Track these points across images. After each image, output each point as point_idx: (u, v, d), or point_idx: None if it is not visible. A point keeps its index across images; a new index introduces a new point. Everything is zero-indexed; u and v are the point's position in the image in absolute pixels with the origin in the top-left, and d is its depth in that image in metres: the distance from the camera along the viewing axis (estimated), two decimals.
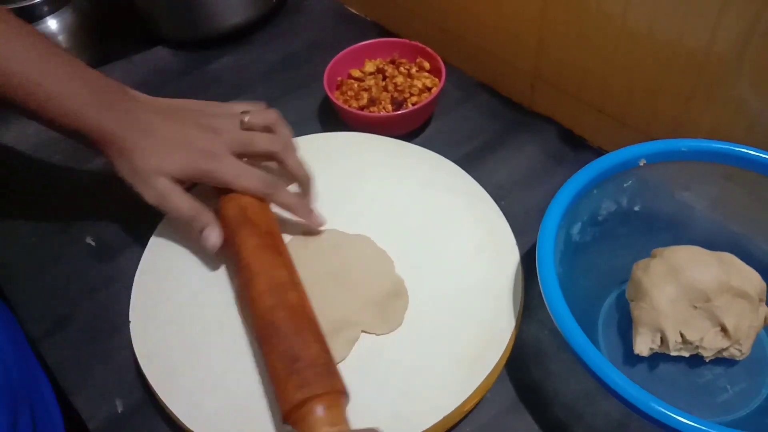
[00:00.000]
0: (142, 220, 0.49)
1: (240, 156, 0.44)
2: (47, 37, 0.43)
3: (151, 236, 0.46)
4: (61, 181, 0.55)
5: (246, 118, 0.45)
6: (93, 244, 0.50)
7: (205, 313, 0.42)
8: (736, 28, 0.39)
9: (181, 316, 0.42)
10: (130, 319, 0.42)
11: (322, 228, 0.46)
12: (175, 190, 0.42)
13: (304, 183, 0.47)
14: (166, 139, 0.43)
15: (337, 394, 0.34)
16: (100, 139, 0.42)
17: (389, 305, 0.42)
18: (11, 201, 0.54)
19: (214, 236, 0.42)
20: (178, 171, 0.42)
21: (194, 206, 0.43)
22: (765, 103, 0.41)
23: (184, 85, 0.57)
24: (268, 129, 0.46)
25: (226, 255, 0.44)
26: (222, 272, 0.44)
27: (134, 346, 0.40)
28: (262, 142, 0.45)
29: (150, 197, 0.42)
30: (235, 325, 0.41)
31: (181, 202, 0.42)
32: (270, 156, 0.45)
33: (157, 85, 0.62)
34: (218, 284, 0.43)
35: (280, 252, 0.41)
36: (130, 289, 0.43)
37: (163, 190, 0.42)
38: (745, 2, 0.38)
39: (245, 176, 0.43)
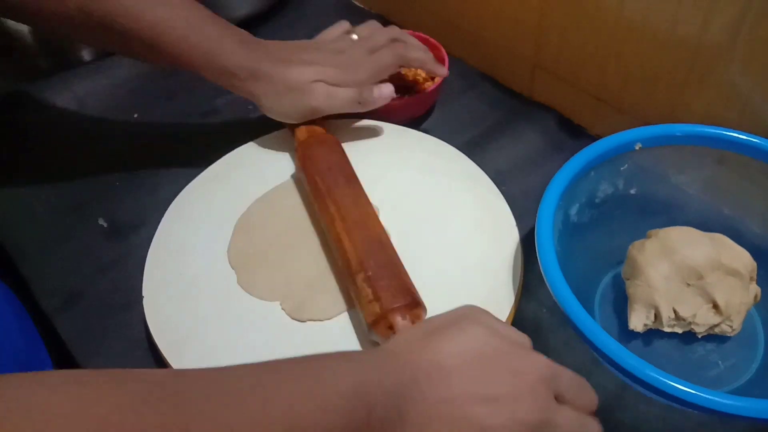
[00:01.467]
0: (152, 202, 0.50)
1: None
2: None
3: (162, 216, 0.48)
4: (74, 161, 0.57)
5: (354, 36, 0.52)
6: (105, 225, 0.51)
7: (217, 287, 0.43)
8: (728, 16, 0.41)
9: (193, 290, 0.43)
10: (143, 293, 0.43)
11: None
12: (332, 87, 0.47)
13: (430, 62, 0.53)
14: (309, 59, 0.48)
15: (424, 310, 0.39)
16: (247, 75, 0.46)
17: None
18: (25, 181, 0.55)
19: (385, 89, 0.49)
20: (331, 75, 0.47)
21: (354, 89, 0.48)
22: (756, 89, 0.42)
23: (190, 77, 0.58)
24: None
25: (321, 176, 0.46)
26: None
27: (147, 318, 0.42)
28: (380, 39, 0.51)
29: (314, 100, 0.47)
30: (245, 299, 0.43)
31: (346, 92, 0.48)
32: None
33: (162, 77, 0.63)
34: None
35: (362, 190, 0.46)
36: (141, 267, 0.45)
37: (325, 90, 0.47)
38: None
39: (381, 60, 0.50)
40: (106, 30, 0.44)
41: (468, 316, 0.33)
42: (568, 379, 0.32)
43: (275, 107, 0.48)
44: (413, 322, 0.38)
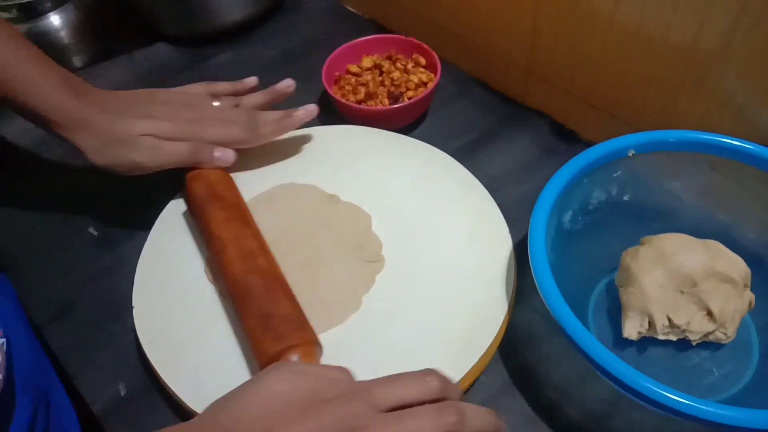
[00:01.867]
0: (143, 212, 0.50)
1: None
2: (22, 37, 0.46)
3: (152, 227, 0.47)
4: (64, 172, 0.56)
5: (216, 103, 0.49)
6: (95, 234, 0.51)
7: (207, 298, 0.43)
8: (722, 23, 0.40)
9: (183, 300, 0.43)
10: (134, 303, 0.43)
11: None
12: (165, 140, 0.45)
13: (272, 92, 0.52)
14: (144, 111, 0.45)
15: (310, 344, 0.37)
16: (69, 123, 0.44)
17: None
18: (16, 192, 0.55)
19: (228, 152, 0.47)
20: (163, 130, 0.45)
21: (189, 143, 0.45)
22: (750, 96, 0.42)
23: (185, 81, 0.58)
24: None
25: (198, 228, 0.45)
26: None
27: (137, 329, 0.41)
28: (236, 118, 0.48)
29: (140, 155, 0.44)
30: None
31: (176, 146, 0.45)
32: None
33: (157, 81, 0.63)
34: None
35: (248, 223, 0.44)
36: (132, 277, 0.44)
37: (153, 143, 0.44)
38: None
39: (227, 132, 0.47)
40: None
41: (273, 367, 0.31)
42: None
43: (98, 159, 0.44)
44: (317, 361, 0.37)
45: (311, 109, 0.50)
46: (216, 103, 0.49)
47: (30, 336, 0.44)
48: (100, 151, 0.44)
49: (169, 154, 0.45)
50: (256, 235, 0.43)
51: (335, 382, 0.30)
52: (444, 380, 0.30)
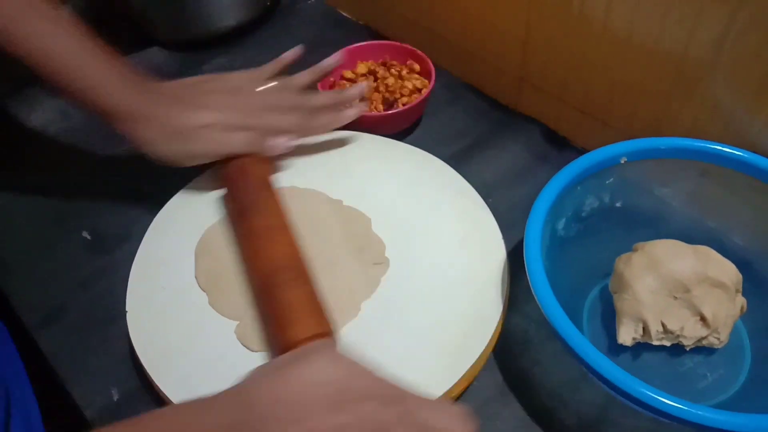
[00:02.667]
0: (136, 216, 0.50)
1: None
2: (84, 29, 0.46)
3: (147, 229, 0.47)
4: (57, 173, 0.56)
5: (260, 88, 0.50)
6: (88, 237, 0.50)
7: (200, 302, 0.43)
8: (712, 32, 0.41)
9: (176, 304, 0.43)
10: (127, 308, 0.42)
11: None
12: (223, 132, 0.45)
13: (318, 70, 0.53)
14: (202, 103, 0.46)
15: (326, 335, 0.37)
16: (131, 117, 0.44)
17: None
18: (7, 193, 0.54)
19: (284, 140, 0.47)
20: (223, 120, 0.45)
21: (248, 135, 0.46)
22: (740, 103, 0.43)
23: None
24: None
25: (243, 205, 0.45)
26: None
27: (130, 333, 0.41)
28: (288, 101, 0.49)
29: (201, 148, 0.45)
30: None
31: (237, 136, 0.45)
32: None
33: None
34: None
35: (285, 212, 0.45)
36: (125, 281, 0.44)
37: (213, 136, 0.45)
38: (719, 8, 0.40)
39: (282, 122, 0.48)
40: None
41: (315, 348, 0.32)
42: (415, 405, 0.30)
43: (159, 153, 0.45)
44: None
45: (362, 107, 0.51)
46: (261, 88, 0.49)
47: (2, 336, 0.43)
48: (160, 144, 0.44)
49: (231, 144, 0.45)
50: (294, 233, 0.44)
51: (368, 376, 0.30)
52: (473, 425, 0.30)
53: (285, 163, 0.52)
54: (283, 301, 0.39)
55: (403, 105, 0.56)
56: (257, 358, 0.40)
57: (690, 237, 0.42)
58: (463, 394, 0.40)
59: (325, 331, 0.38)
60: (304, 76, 0.52)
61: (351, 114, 0.50)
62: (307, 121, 0.49)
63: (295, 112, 0.49)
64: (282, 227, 0.43)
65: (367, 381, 0.30)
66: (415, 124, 0.58)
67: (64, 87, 0.43)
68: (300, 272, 0.40)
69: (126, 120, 0.44)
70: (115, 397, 0.41)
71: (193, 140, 0.45)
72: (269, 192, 0.46)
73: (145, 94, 0.45)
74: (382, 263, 0.45)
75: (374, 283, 0.44)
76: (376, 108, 0.56)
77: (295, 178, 0.51)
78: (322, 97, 0.51)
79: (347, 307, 0.42)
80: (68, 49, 0.43)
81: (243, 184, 0.46)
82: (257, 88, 0.49)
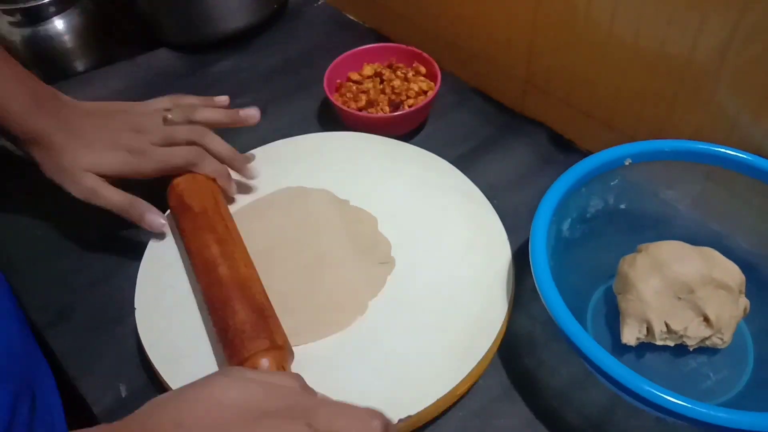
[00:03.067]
0: None
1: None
2: None
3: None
4: None
5: (169, 116, 0.48)
6: (97, 237, 0.51)
7: None
8: (716, 37, 0.42)
9: (185, 302, 0.43)
10: (136, 305, 0.43)
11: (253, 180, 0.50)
12: (103, 184, 0.45)
13: (230, 159, 0.49)
14: (94, 139, 0.45)
15: (269, 351, 0.37)
16: (29, 139, 0.45)
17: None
18: (16, 195, 0.55)
19: (156, 219, 0.46)
20: (107, 168, 0.45)
21: (125, 196, 0.45)
22: (743, 108, 0.43)
23: (186, 87, 0.58)
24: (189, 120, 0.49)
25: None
26: None
27: (139, 330, 0.41)
28: (182, 133, 0.47)
29: (78, 192, 0.45)
30: None
31: (111, 194, 0.45)
32: (192, 143, 0.48)
33: (159, 86, 0.63)
34: None
35: (213, 228, 0.44)
36: (133, 280, 0.45)
37: (92, 186, 0.44)
38: (724, 13, 0.40)
39: (169, 158, 0.46)
40: None
41: (221, 371, 0.31)
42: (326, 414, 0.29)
43: (49, 176, 0.45)
44: (279, 367, 0.36)
45: (253, 174, 0.50)
46: (169, 116, 0.48)
47: (13, 323, 0.43)
48: (50, 171, 0.45)
49: (105, 201, 0.45)
50: (221, 239, 0.43)
51: (283, 391, 0.29)
52: (387, 427, 0.29)
53: (293, 163, 0.53)
54: (223, 327, 0.39)
55: (409, 107, 0.56)
56: None
57: (694, 239, 0.42)
58: (468, 393, 0.41)
59: (243, 358, 0.36)
60: (214, 113, 0.50)
61: (231, 188, 0.49)
62: (198, 158, 0.47)
63: (182, 156, 0.47)
64: (195, 252, 0.43)
65: (274, 398, 0.29)
66: (421, 127, 0.59)
67: None
68: (211, 302, 0.40)
69: (27, 142, 0.45)
70: (123, 394, 0.41)
71: (74, 184, 0.45)
72: (185, 214, 0.45)
73: (48, 117, 0.45)
74: (388, 263, 0.45)
75: (380, 282, 0.44)
76: (382, 110, 0.56)
77: (303, 179, 0.51)
78: (219, 144, 0.49)
79: (354, 305, 0.43)
80: None
81: (171, 210, 0.47)
82: (159, 122, 0.48)
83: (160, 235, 0.47)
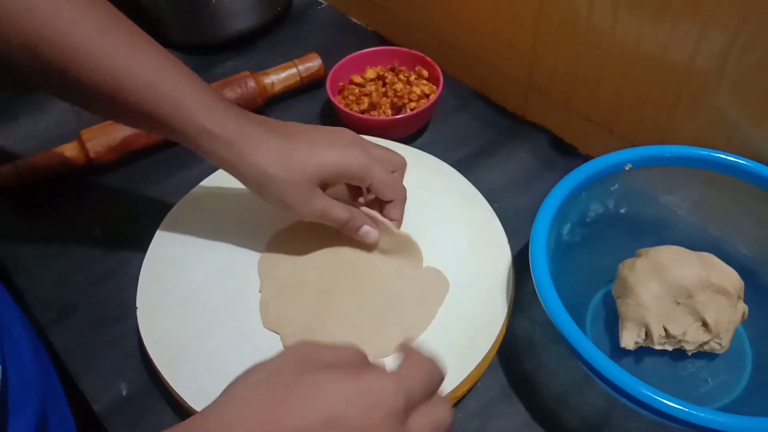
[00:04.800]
0: (148, 214, 0.50)
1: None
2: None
3: (157, 229, 0.48)
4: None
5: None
6: (100, 235, 0.51)
7: (211, 301, 0.43)
8: (717, 45, 0.42)
9: (187, 303, 0.43)
10: (137, 304, 0.43)
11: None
12: (331, 201, 0.42)
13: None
14: (328, 141, 0.41)
15: None
16: (217, 138, 0.38)
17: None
18: (21, 192, 0.55)
19: (373, 232, 0.44)
20: (355, 165, 0.41)
21: (348, 210, 0.43)
22: (743, 114, 0.43)
23: None
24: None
25: None
26: (227, 261, 0.46)
27: (141, 329, 0.42)
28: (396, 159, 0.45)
29: (308, 213, 0.41)
30: (240, 311, 0.43)
31: (338, 212, 0.42)
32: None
33: None
34: (224, 273, 0.45)
35: None
36: (136, 279, 0.45)
37: (322, 206, 0.41)
38: (724, 20, 0.41)
39: (390, 180, 0.43)
40: (58, 75, 0.36)
41: (305, 360, 0.27)
42: (419, 386, 0.27)
43: (271, 196, 0.40)
44: None
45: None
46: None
47: (33, 347, 0.43)
48: (275, 191, 0.39)
49: (333, 219, 0.42)
50: None
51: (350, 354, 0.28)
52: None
53: None
54: None
55: (411, 110, 0.56)
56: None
57: (693, 244, 0.43)
58: (467, 394, 0.41)
59: None
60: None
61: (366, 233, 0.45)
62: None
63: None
64: None
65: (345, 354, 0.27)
66: (423, 130, 0.59)
67: (150, 103, 0.37)
68: None
69: (232, 143, 0.38)
70: (124, 392, 0.41)
71: (304, 205, 0.40)
72: None
73: (243, 118, 0.40)
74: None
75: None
76: (384, 112, 0.57)
77: None
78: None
79: None
80: (155, 65, 0.38)
81: None
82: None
83: (163, 235, 0.47)
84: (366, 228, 0.44)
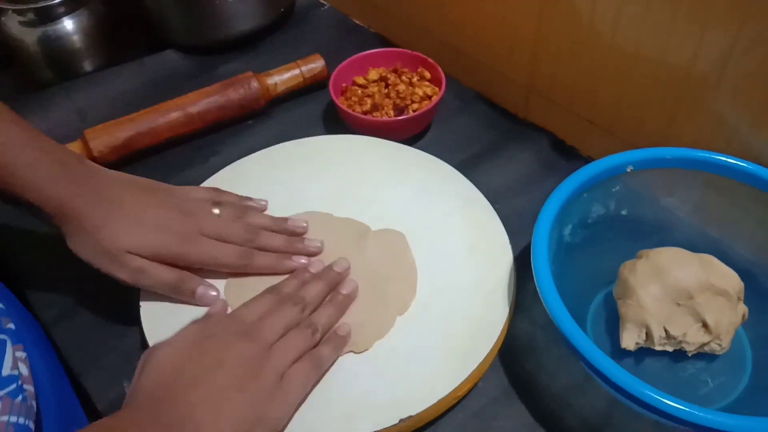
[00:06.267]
0: None
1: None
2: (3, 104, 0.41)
3: None
4: None
5: (216, 211, 0.45)
6: None
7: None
8: (717, 49, 0.42)
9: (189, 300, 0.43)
10: (140, 303, 0.43)
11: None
12: (150, 263, 0.41)
13: (285, 247, 0.45)
14: (141, 218, 0.41)
15: None
16: (55, 211, 0.40)
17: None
18: None
19: (208, 292, 0.42)
20: (151, 250, 0.41)
21: (175, 273, 0.42)
22: (742, 117, 0.44)
23: (193, 88, 0.59)
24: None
25: None
26: None
27: (144, 327, 0.42)
28: (237, 235, 0.44)
29: (126, 275, 0.40)
30: None
31: (162, 273, 0.41)
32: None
33: (166, 87, 0.64)
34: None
35: None
36: None
37: (140, 266, 0.40)
38: (724, 24, 0.41)
39: (220, 256, 0.43)
40: None
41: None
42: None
43: (82, 256, 0.41)
44: None
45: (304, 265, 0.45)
46: (216, 211, 0.45)
47: (59, 378, 0.43)
48: (84, 252, 0.41)
49: (153, 281, 0.41)
50: None
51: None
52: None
53: (298, 165, 0.53)
54: None
55: (414, 111, 0.57)
56: None
57: (693, 246, 0.43)
58: (468, 394, 0.41)
59: None
60: (264, 219, 0.47)
61: (294, 266, 0.44)
62: (247, 258, 0.44)
63: (235, 249, 0.43)
64: None
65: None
66: (425, 131, 0.59)
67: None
68: None
69: (53, 215, 0.40)
70: (127, 390, 0.41)
71: (116, 266, 0.40)
72: None
73: (76, 185, 0.40)
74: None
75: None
76: (386, 113, 0.57)
77: (308, 180, 0.52)
78: (273, 238, 0.45)
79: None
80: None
81: None
82: (208, 210, 0.45)
83: None
84: (201, 290, 0.42)
